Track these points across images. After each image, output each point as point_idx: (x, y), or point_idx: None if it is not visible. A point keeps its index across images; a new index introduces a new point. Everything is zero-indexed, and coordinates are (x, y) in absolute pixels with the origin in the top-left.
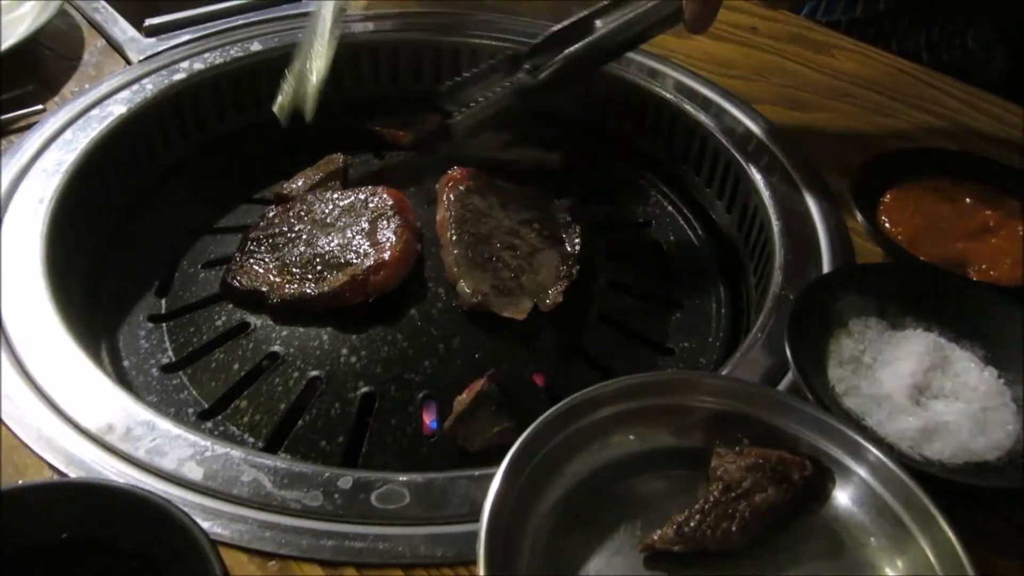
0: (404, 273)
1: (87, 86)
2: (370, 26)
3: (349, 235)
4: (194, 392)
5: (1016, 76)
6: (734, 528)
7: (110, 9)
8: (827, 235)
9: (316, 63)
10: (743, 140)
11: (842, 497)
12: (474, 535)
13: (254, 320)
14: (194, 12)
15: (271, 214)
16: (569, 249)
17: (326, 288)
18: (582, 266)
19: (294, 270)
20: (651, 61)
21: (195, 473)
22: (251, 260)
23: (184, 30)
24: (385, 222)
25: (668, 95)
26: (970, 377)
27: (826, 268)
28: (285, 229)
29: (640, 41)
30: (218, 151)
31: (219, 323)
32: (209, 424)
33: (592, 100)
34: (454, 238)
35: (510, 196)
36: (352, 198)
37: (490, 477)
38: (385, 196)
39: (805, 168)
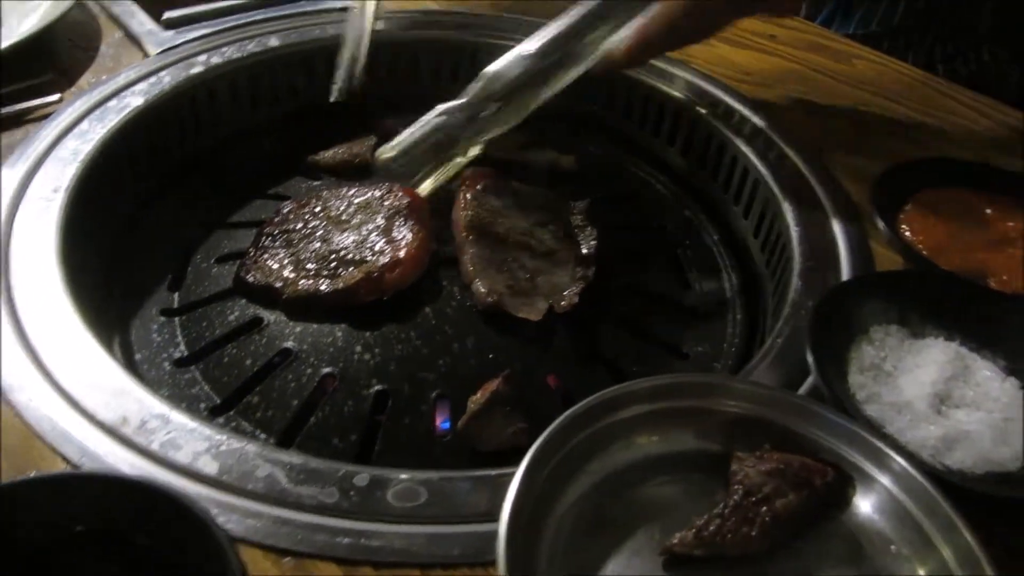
0: (419, 271)
1: (104, 77)
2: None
3: (364, 232)
4: (206, 387)
5: None
6: (754, 533)
7: (129, 1)
8: (846, 243)
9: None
10: (761, 146)
11: (863, 504)
12: (492, 535)
13: (267, 316)
14: (213, 6)
15: (286, 209)
16: (585, 251)
17: (340, 285)
18: (597, 268)
19: (308, 266)
20: (669, 65)
21: (210, 467)
22: (265, 255)
23: (202, 24)
24: (401, 220)
25: (685, 99)
26: (991, 387)
27: (845, 275)
28: (300, 225)
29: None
30: (234, 145)
31: (232, 318)
32: (221, 419)
33: (609, 103)
34: (470, 238)
35: (526, 197)
36: (368, 195)
37: (508, 477)
38: (401, 194)
39: (824, 176)
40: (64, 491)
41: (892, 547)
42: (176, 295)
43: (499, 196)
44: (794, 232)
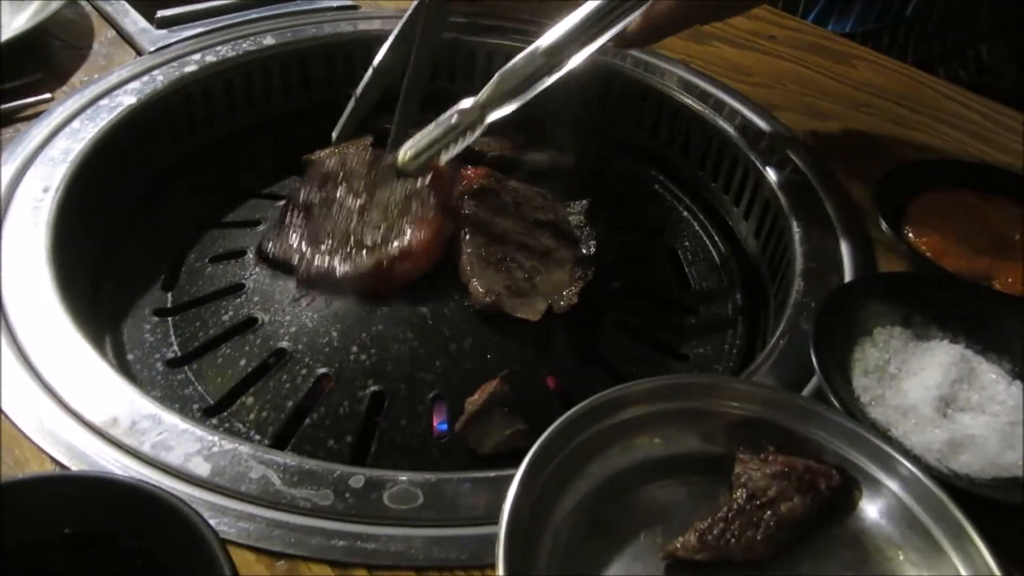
0: (434, 260)
1: (96, 76)
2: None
3: (384, 214)
4: (199, 388)
5: None
6: (759, 537)
7: (121, 0)
8: (849, 244)
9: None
10: (761, 147)
11: (870, 509)
12: (490, 538)
13: (262, 315)
14: (206, 5)
15: (315, 182)
16: (584, 251)
17: (352, 271)
18: (596, 269)
19: (326, 245)
20: (669, 65)
21: (202, 469)
22: (289, 229)
23: (196, 23)
24: (420, 202)
25: (685, 99)
26: (997, 391)
27: (848, 277)
28: (325, 199)
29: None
30: (228, 145)
31: (226, 318)
32: (214, 420)
33: (607, 103)
34: (467, 237)
35: (524, 196)
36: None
37: (506, 479)
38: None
39: (825, 177)
40: (51, 493)
41: (899, 553)
42: (169, 295)
43: (497, 195)
44: (796, 233)
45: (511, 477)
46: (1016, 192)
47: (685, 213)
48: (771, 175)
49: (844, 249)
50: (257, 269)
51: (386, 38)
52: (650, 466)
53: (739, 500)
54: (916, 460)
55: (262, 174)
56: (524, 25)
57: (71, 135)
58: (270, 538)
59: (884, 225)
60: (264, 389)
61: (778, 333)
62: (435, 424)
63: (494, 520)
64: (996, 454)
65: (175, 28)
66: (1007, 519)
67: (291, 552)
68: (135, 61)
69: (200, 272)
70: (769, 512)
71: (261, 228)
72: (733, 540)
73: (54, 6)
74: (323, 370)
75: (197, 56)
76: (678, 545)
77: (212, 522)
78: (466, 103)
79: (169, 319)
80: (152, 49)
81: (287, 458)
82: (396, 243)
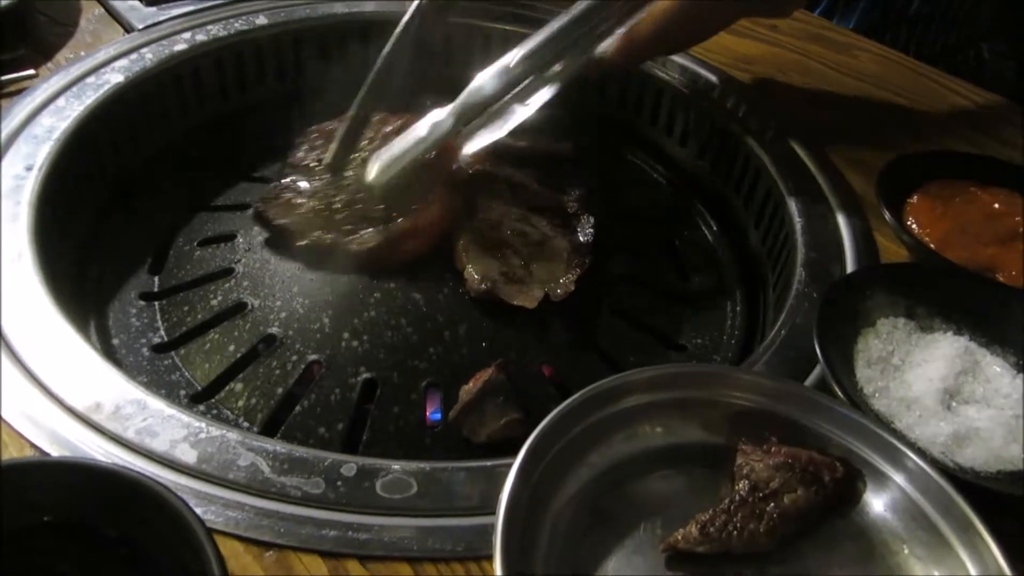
0: (439, 236)
1: (83, 53)
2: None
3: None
4: (187, 373)
5: None
6: (761, 529)
7: None
8: (851, 234)
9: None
10: (763, 136)
11: (875, 502)
12: (486, 528)
13: (252, 300)
14: None
15: (319, 141)
16: (582, 239)
17: (355, 246)
18: (593, 257)
19: (328, 213)
20: None
21: (188, 456)
22: (288, 193)
23: (187, 1)
24: (429, 177)
25: (684, 87)
26: (1002, 383)
27: (850, 268)
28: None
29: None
30: (219, 126)
31: (215, 303)
32: (202, 407)
33: (605, 91)
34: (463, 223)
35: (521, 183)
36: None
37: (503, 468)
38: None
39: (827, 167)
40: (31, 479)
41: (904, 547)
42: (157, 278)
43: (494, 182)
44: (797, 223)
45: (508, 466)
46: (1019, 184)
47: (684, 201)
48: (772, 164)
49: (846, 239)
50: (247, 253)
51: (380, 20)
52: (651, 456)
53: (741, 492)
54: (922, 453)
55: (253, 157)
56: (542, 15)
57: (56, 112)
58: (259, 527)
59: (887, 215)
60: (253, 375)
61: (779, 324)
62: (428, 413)
63: (490, 510)
64: (1001, 447)
65: (165, 6)
66: (1013, 513)
67: (281, 542)
68: (123, 39)
69: (188, 256)
70: (772, 504)
71: (251, 212)
72: (735, 532)
73: None
74: (314, 356)
75: (187, 35)
76: (679, 537)
77: (198, 511)
78: (438, 114)
79: (156, 303)
80: (141, 27)
81: (277, 445)
82: (404, 220)
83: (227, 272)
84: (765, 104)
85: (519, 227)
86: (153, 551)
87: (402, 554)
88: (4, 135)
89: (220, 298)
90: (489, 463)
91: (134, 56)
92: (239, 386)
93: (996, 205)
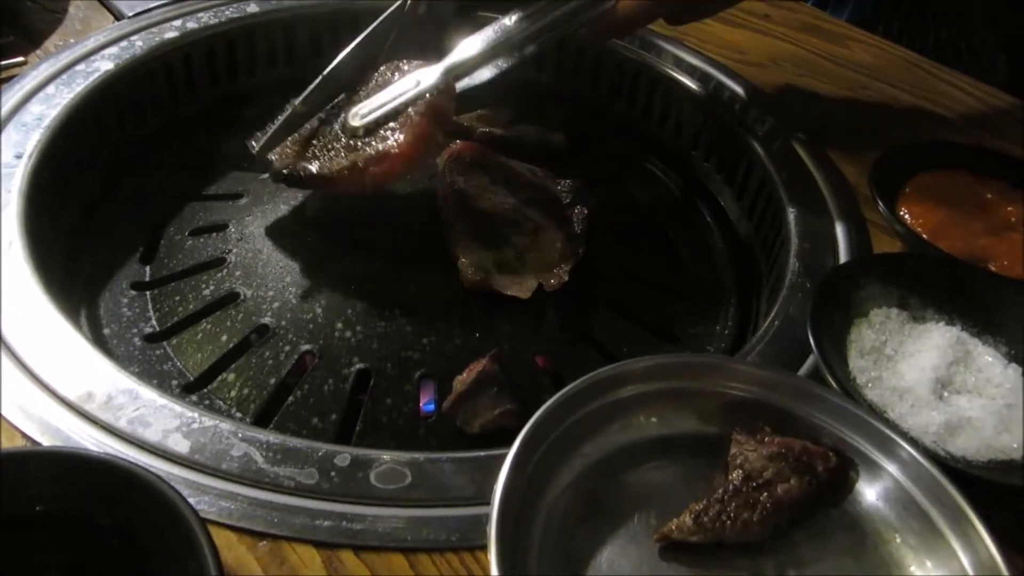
0: (413, 167)
1: (72, 40)
2: None
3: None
4: (178, 363)
5: (1018, 81)
6: (755, 519)
7: None
8: (844, 225)
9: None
10: (756, 127)
11: (867, 491)
12: (480, 518)
13: (244, 290)
14: None
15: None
16: (576, 229)
17: (323, 170)
18: (587, 247)
19: (311, 143)
20: (663, 43)
21: (181, 446)
22: (281, 128)
23: None
24: (414, 111)
25: (679, 77)
26: (993, 373)
27: (843, 258)
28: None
29: None
30: (210, 115)
31: (207, 292)
32: (194, 397)
33: (597, 81)
34: (456, 213)
35: (514, 173)
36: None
37: (497, 459)
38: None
39: (821, 157)
40: (23, 469)
41: (897, 536)
42: (148, 268)
43: (486, 172)
44: (790, 213)
45: (502, 457)
46: (1012, 175)
47: (676, 193)
48: (765, 155)
49: (839, 230)
50: (240, 243)
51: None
52: (645, 446)
53: (735, 481)
54: (914, 442)
55: (244, 146)
56: None
57: (45, 100)
58: (252, 517)
59: (881, 206)
60: (246, 366)
61: (772, 314)
62: (422, 403)
63: (484, 501)
64: (992, 436)
65: None
66: (1003, 502)
67: (274, 532)
68: (113, 26)
69: (180, 245)
70: (765, 494)
71: (243, 201)
72: (729, 522)
73: None
74: (307, 347)
75: (178, 22)
76: (673, 527)
77: (192, 501)
78: (428, 69)
79: (147, 293)
80: (131, 14)
81: (270, 436)
82: (374, 145)
83: (219, 262)
84: (759, 95)
85: (512, 217)
86: (146, 541)
87: (396, 544)
88: None
89: (212, 288)
90: (483, 454)
91: (124, 44)
92: (231, 376)
93: (989, 196)
